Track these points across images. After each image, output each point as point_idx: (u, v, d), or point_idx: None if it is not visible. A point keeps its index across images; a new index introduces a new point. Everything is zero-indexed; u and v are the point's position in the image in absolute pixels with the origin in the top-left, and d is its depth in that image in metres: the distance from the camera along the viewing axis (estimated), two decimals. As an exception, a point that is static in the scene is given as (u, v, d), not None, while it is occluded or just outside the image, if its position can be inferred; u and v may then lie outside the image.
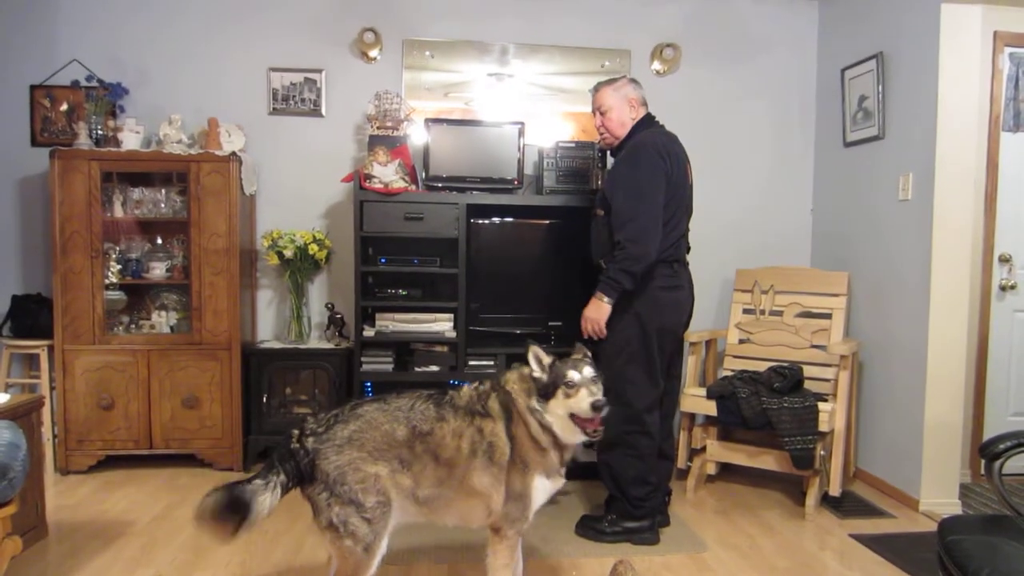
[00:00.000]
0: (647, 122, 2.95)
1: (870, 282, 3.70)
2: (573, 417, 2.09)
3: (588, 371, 2.14)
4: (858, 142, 3.84)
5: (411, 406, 2.11)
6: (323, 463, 1.97)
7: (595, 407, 2.06)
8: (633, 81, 3.00)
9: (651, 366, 2.86)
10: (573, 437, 2.14)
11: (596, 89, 3.00)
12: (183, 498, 3.31)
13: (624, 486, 2.90)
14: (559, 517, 3.13)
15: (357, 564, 1.98)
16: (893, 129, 3.57)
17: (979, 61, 3.33)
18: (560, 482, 2.23)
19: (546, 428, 2.12)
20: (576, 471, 3.57)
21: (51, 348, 3.63)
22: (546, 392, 2.12)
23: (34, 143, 3.85)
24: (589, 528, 2.97)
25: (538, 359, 2.17)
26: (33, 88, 3.83)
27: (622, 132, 2.94)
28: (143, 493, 3.38)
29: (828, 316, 3.65)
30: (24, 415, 2.69)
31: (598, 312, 2.81)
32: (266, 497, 1.94)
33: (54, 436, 3.65)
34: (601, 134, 3.01)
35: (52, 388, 3.67)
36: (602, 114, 2.95)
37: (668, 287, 2.86)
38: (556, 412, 2.11)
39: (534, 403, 2.13)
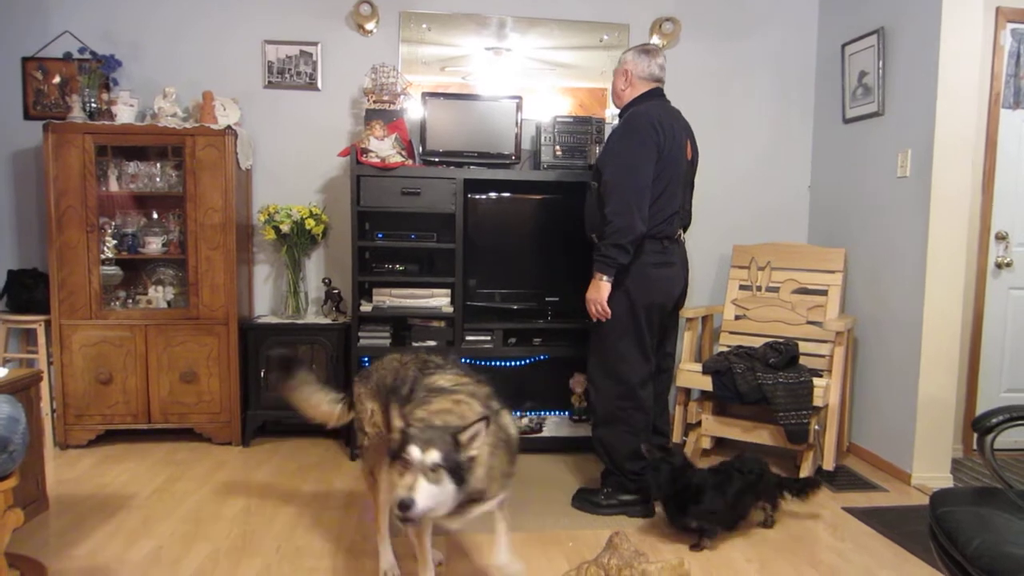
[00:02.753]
0: (651, 96, 2.92)
1: (867, 259, 3.70)
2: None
3: (434, 455, 1.70)
4: (857, 118, 3.83)
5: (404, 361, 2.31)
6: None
7: (400, 505, 1.67)
8: (645, 53, 2.93)
9: (642, 342, 2.87)
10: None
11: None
12: (182, 472, 3.34)
13: (619, 461, 2.93)
14: (556, 491, 3.16)
15: (368, 486, 2.38)
16: (893, 105, 3.55)
17: (980, 37, 3.31)
18: None
19: None
20: (569, 445, 3.63)
21: (48, 323, 3.63)
22: (391, 454, 1.80)
23: (27, 116, 3.81)
24: (585, 501, 3.01)
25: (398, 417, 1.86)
26: (25, 60, 3.78)
27: (619, 102, 2.97)
28: (142, 467, 3.40)
29: (824, 292, 3.66)
30: (23, 389, 2.70)
31: (598, 292, 2.80)
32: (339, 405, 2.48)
33: (52, 411, 3.66)
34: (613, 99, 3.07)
35: (50, 363, 3.67)
36: (613, 82, 3.01)
37: (658, 263, 2.85)
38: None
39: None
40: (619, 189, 2.74)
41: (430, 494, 1.70)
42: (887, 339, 3.55)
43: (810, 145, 4.28)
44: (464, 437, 1.77)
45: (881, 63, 3.60)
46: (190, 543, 2.64)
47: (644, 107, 2.86)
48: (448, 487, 1.73)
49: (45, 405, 3.50)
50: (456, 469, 1.74)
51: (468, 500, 1.83)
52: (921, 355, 3.29)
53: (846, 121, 3.93)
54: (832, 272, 3.68)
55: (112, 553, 2.55)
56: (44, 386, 3.40)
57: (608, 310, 2.81)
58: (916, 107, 3.36)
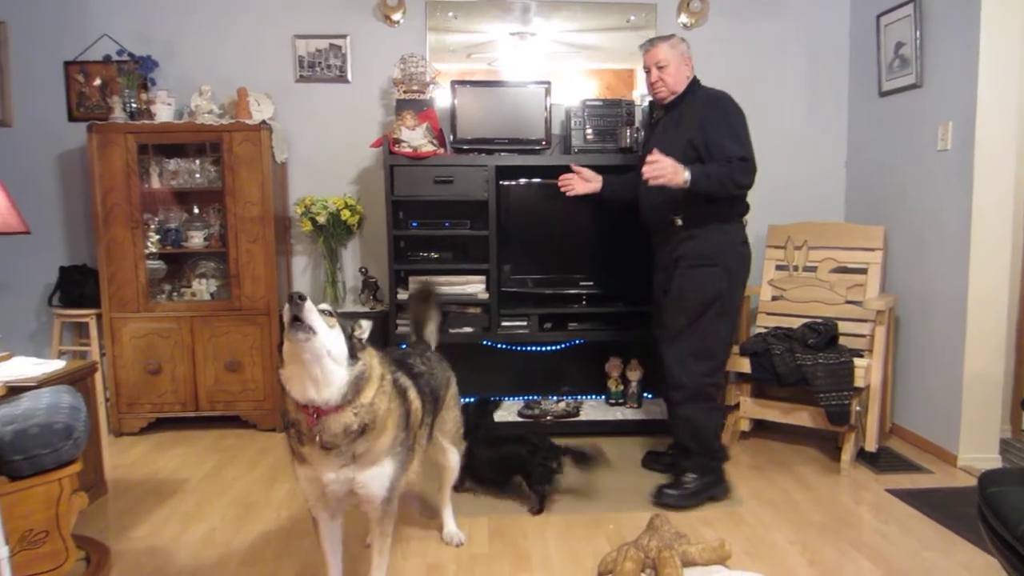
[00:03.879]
0: (697, 81, 2.98)
1: (907, 235, 3.63)
2: None
3: (325, 305, 1.82)
4: (894, 91, 3.74)
5: None
6: None
7: (292, 297, 1.70)
8: (684, 41, 2.99)
9: (734, 319, 2.99)
10: None
11: (651, 44, 2.97)
12: (230, 457, 3.44)
13: (706, 439, 2.92)
14: (594, 474, 3.18)
15: None
16: (931, 76, 3.46)
17: (1023, 2, 3.20)
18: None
19: None
20: (605, 428, 3.64)
21: (99, 316, 3.76)
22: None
23: (71, 118, 3.93)
24: (673, 496, 2.86)
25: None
26: (67, 64, 3.90)
27: (679, 87, 2.94)
28: (192, 453, 3.52)
29: (864, 271, 3.60)
30: (80, 380, 2.80)
31: (675, 175, 2.69)
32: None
33: (106, 400, 3.79)
34: (657, 89, 2.96)
35: (102, 354, 3.80)
36: (660, 68, 2.92)
37: (744, 242, 2.94)
38: None
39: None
40: (748, 149, 2.79)
41: (320, 320, 1.73)
42: (930, 317, 3.48)
43: (845, 121, 4.20)
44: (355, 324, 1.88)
45: (919, 33, 3.50)
46: (241, 525, 2.73)
47: (718, 90, 2.91)
48: (337, 335, 1.77)
49: (99, 395, 3.63)
50: (345, 330, 1.81)
51: (363, 426, 1.84)
52: (966, 333, 3.22)
53: (882, 94, 3.84)
54: (872, 250, 3.62)
55: (168, 535, 2.66)
56: (98, 377, 3.53)
57: (661, 179, 2.71)
58: (956, 77, 3.28)
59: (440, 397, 2.39)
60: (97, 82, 3.89)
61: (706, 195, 2.76)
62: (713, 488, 2.92)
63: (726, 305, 2.88)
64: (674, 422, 3.00)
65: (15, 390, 2.40)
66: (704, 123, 2.83)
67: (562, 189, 3.29)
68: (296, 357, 1.75)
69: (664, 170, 2.71)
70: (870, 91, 3.94)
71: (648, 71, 2.98)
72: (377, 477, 1.92)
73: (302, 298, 1.70)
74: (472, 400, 3.17)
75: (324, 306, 1.80)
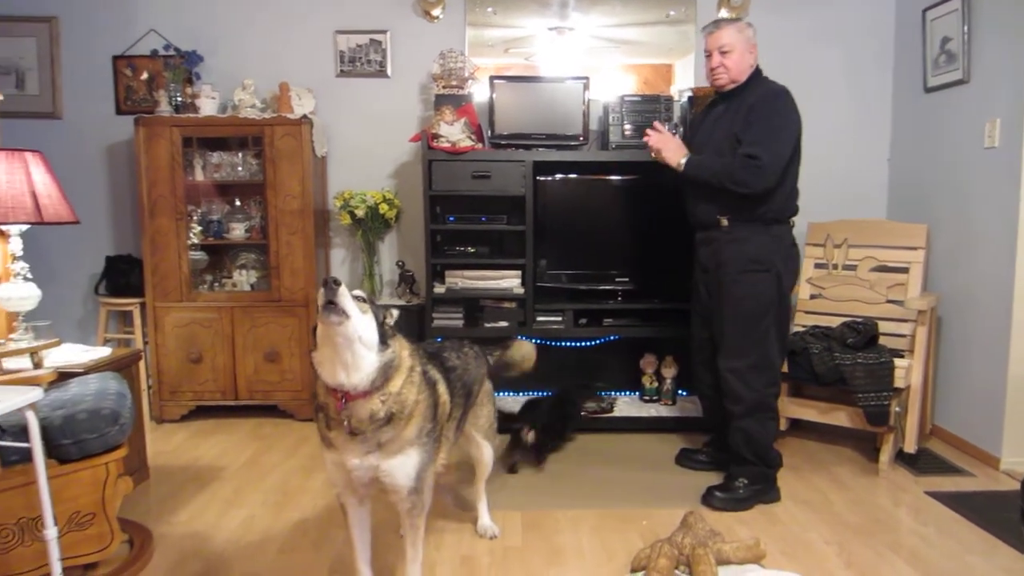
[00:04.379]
0: (760, 72, 2.89)
1: (951, 234, 3.56)
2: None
3: (359, 291, 1.86)
4: (940, 87, 3.66)
5: None
6: None
7: (326, 282, 1.75)
8: (751, 26, 2.89)
9: (786, 323, 2.93)
10: None
11: (716, 26, 2.85)
12: (269, 446, 3.51)
13: (761, 451, 2.87)
14: (629, 470, 3.20)
15: None
16: (979, 72, 3.39)
17: (1078, -4, 3.12)
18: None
19: None
20: (639, 425, 3.63)
21: (143, 305, 3.85)
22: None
23: (119, 111, 4.04)
24: (721, 499, 2.83)
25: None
26: (115, 59, 4.00)
27: (741, 76, 2.83)
28: (231, 441, 3.59)
29: (905, 270, 3.54)
30: (126, 367, 2.89)
31: (672, 154, 2.84)
32: None
33: (149, 387, 3.89)
34: (716, 74, 2.84)
35: (145, 343, 3.90)
36: (723, 53, 2.81)
37: (793, 243, 2.89)
38: None
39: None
40: (773, 150, 2.69)
41: (353, 305, 1.77)
42: (974, 318, 3.41)
43: (889, 117, 4.13)
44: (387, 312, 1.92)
45: (966, 28, 3.43)
46: (279, 513, 2.78)
47: (782, 86, 2.82)
48: (369, 320, 1.82)
49: (142, 382, 3.73)
50: (377, 318, 1.85)
51: (390, 414, 1.87)
52: (1011, 334, 3.15)
53: (927, 90, 3.77)
54: (914, 249, 3.55)
55: (209, 520, 2.72)
56: (142, 365, 3.62)
57: (655, 152, 2.89)
58: (1005, 73, 3.20)
59: (473, 392, 2.40)
60: (144, 76, 3.99)
61: (701, 183, 2.79)
62: (764, 495, 2.87)
63: (779, 311, 2.85)
64: (733, 431, 2.90)
65: (64, 376, 2.48)
66: (749, 117, 2.75)
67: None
68: (329, 340, 1.78)
69: (666, 144, 2.79)
70: (915, 87, 3.87)
71: (709, 55, 2.84)
72: (402, 466, 1.94)
73: (336, 283, 1.73)
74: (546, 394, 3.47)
75: (358, 292, 1.83)
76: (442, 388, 2.11)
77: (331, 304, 1.73)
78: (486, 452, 2.57)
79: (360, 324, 1.78)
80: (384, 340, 1.85)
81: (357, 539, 2.10)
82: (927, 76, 3.76)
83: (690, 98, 3.70)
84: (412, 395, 1.92)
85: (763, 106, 2.75)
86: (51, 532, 1.94)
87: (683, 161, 2.80)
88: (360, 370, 1.80)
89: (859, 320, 3.39)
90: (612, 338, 3.77)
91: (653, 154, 2.94)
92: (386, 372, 1.85)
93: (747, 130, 2.73)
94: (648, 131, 2.95)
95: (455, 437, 2.32)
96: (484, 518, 2.64)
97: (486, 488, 2.67)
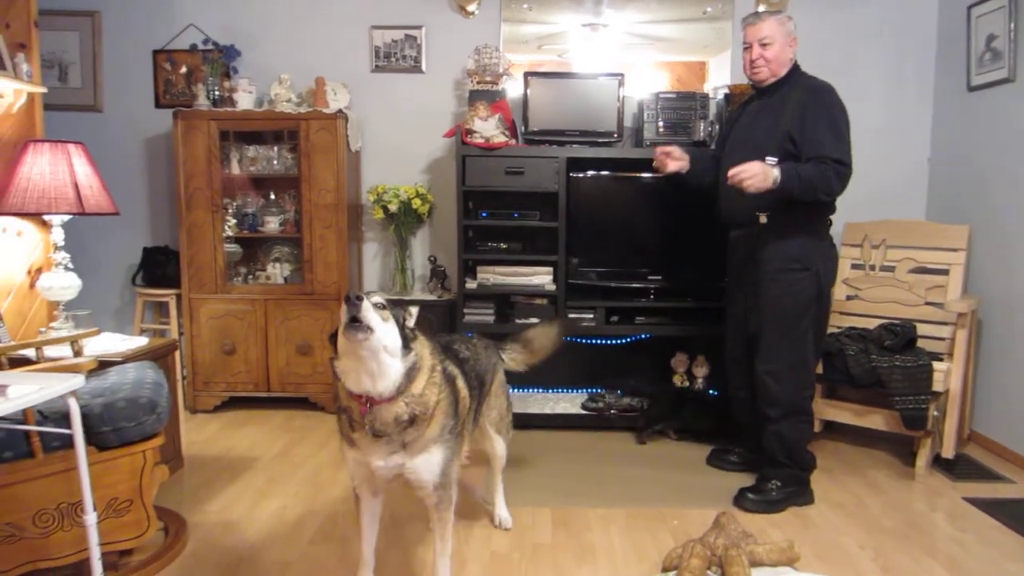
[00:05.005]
0: (799, 68, 2.83)
1: (994, 236, 3.48)
2: None
3: (378, 298, 1.83)
4: (984, 85, 3.58)
5: None
6: None
7: (349, 298, 1.73)
8: (792, 19, 2.84)
9: (824, 325, 2.90)
10: None
11: (757, 17, 2.80)
12: (300, 438, 3.54)
13: (796, 455, 2.84)
14: (659, 468, 3.18)
15: None
16: (1027, 71, 3.31)
17: None
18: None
19: None
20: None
21: (178, 296, 3.91)
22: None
23: (158, 105, 4.10)
24: (753, 501, 2.80)
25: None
26: (155, 53, 4.06)
27: (780, 69, 2.78)
28: (263, 432, 3.63)
29: (945, 272, 3.46)
30: (162, 357, 2.94)
31: (764, 178, 2.57)
32: None
33: (183, 377, 3.95)
34: (756, 67, 2.79)
35: (180, 333, 3.96)
36: (763, 46, 2.75)
37: (832, 243, 2.86)
38: None
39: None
40: (845, 149, 2.66)
41: (377, 317, 1.76)
42: (1015, 321, 3.33)
43: (930, 115, 4.04)
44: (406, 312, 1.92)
45: (1013, 25, 3.35)
46: (310, 505, 2.81)
47: (825, 82, 2.77)
48: (391, 327, 1.80)
49: (177, 372, 3.78)
50: (398, 322, 1.84)
51: (413, 416, 1.87)
52: (1055, 339, 3.08)
53: (971, 89, 3.68)
54: (954, 250, 3.47)
55: (241, 510, 2.75)
56: (177, 355, 3.68)
57: (751, 187, 2.60)
58: (1055, 72, 3.12)
59: (486, 382, 2.40)
60: (183, 70, 4.05)
61: (791, 197, 2.63)
62: (797, 498, 2.83)
63: (818, 311, 2.81)
64: (767, 435, 2.86)
65: (102, 364, 2.51)
66: (805, 114, 2.68)
67: (656, 165, 3.08)
68: (353, 352, 1.78)
69: (753, 176, 2.57)
70: (958, 85, 3.78)
71: (748, 47, 2.79)
72: (426, 463, 1.95)
73: (359, 299, 1.72)
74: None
75: (377, 299, 1.81)
76: (461, 383, 2.12)
77: (355, 321, 1.72)
78: (499, 447, 2.58)
79: (384, 335, 1.78)
80: (407, 344, 1.85)
81: (366, 527, 2.13)
82: (971, 74, 3.67)
83: (726, 95, 3.66)
84: (434, 395, 1.93)
85: (819, 102, 2.69)
86: (91, 518, 1.96)
87: (776, 175, 2.59)
88: (386, 377, 1.81)
89: (897, 322, 3.33)
90: (643, 336, 3.75)
91: (745, 178, 2.63)
92: (410, 375, 1.86)
93: (809, 130, 2.66)
94: (737, 173, 2.64)
95: (472, 429, 2.33)
96: (501, 510, 2.65)
97: (502, 479, 2.68)
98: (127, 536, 2.25)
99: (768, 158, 2.65)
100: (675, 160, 3.04)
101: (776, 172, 2.59)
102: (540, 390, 3.92)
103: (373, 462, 1.92)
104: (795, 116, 2.68)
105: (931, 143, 4.05)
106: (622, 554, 2.45)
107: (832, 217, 2.88)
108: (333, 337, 1.83)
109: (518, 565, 2.37)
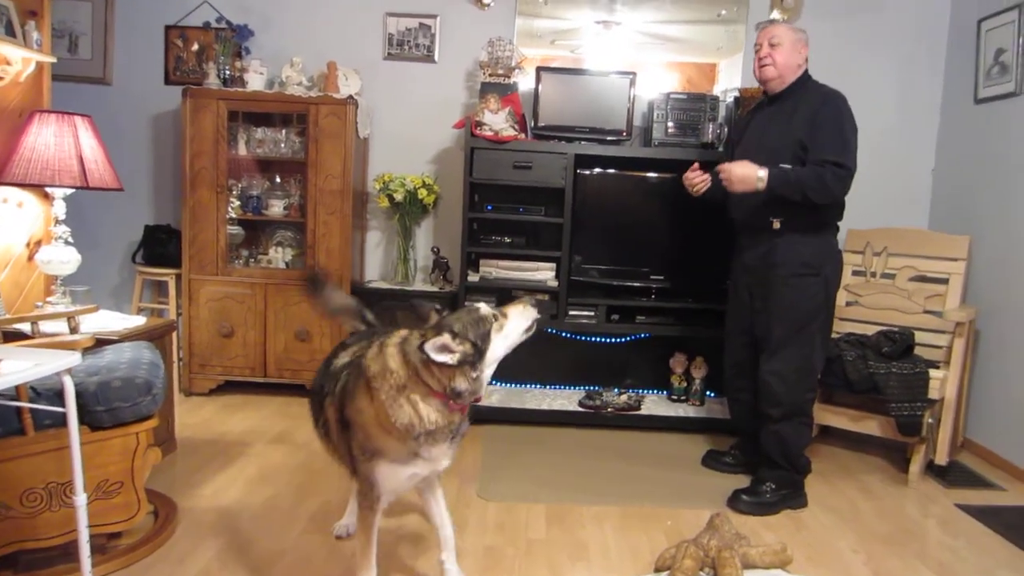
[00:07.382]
0: (809, 76, 2.86)
1: (995, 247, 3.51)
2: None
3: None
4: (991, 98, 3.60)
5: None
6: None
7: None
8: (805, 32, 2.91)
9: (830, 328, 2.93)
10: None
11: (771, 22, 2.93)
12: (295, 425, 3.51)
13: (793, 457, 2.85)
14: (655, 468, 3.19)
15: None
16: (1035, 86, 3.33)
17: None
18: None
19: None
20: (667, 424, 3.61)
21: (178, 277, 3.88)
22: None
23: (167, 81, 4.07)
24: (748, 503, 2.81)
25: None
26: (168, 28, 4.03)
27: (788, 74, 2.80)
28: (258, 418, 3.61)
29: (945, 281, 3.49)
30: (159, 338, 2.90)
31: (746, 178, 2.66)
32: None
33: (179, 359, 3.92)
34: (763, 64, 2.81)
35: (178, 314, 3.93)
36: (772, 45, 2.78)
37: (839, 249, 2.88)
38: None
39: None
40: (850, 154, 2.68)
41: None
42: (1013, 332, 3.36)
43: (936, 126, 4.06)
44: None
45: (1021, 40, 3.37)
46: (304, 493, 2.78)
47: (836, 90, 2.79)
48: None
49: (174, 354, 3.77)
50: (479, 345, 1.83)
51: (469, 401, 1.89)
52: (1052, 353, 3.11)
53: (978, 101, 3.70)
54: (954, 260, 3.50)
55: (233, 496, 2.73)
56: (175, 336, 3.66)
57: (734, 183, 2.70)
58: (1063, 89, 3.14)
59: None
60: (195, 47, 4.01)
61: (784, 198, 2.66)
62: (791, 500, 2.85)
63: (825, 316, 2.83)
64: (765, 435, 2.87)
65: (99, 343, 2.46)
66: (815, 121, 2.70)
67: (690, 188, 3.00)
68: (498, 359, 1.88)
69: (731, 174, 2.68)
70: (965, 97, 3.80)
71: (758, 48, 2.83)
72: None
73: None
74: None
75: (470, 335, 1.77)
76: None
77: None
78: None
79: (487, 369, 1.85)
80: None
81: (374, 536, 2.06)
82: (978, 87, 3.69)
83: (736, 98, 3.66)
84: None
85: (830, 109, 2.71)
86: (81, 498, 1.89)
87: (762, 175, 2.64)
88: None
89: (895, 329, 3.35)
90: (643, 336, 3.76)
91: (730, 185, 2.74)
92: None
93: (817, 135, 2.68)
94: (720, 168, 2.79)
95: None
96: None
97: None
98: (116, 519, 2.21)
99: (782, 166, 2.68)
100: (702, 180, 2.96)
101: (761, 171, 2.64)
102: (537, 386, 3.92)
103: (440, 464, 1.95)
104: (806, 123, 2.71)
105: (936, 153, 4.07)
106: (616, 552, 2.45)
107: (839, 223, 2.89)
108: (473, 357, 1.78)
109: (512, 561, 2.37)
